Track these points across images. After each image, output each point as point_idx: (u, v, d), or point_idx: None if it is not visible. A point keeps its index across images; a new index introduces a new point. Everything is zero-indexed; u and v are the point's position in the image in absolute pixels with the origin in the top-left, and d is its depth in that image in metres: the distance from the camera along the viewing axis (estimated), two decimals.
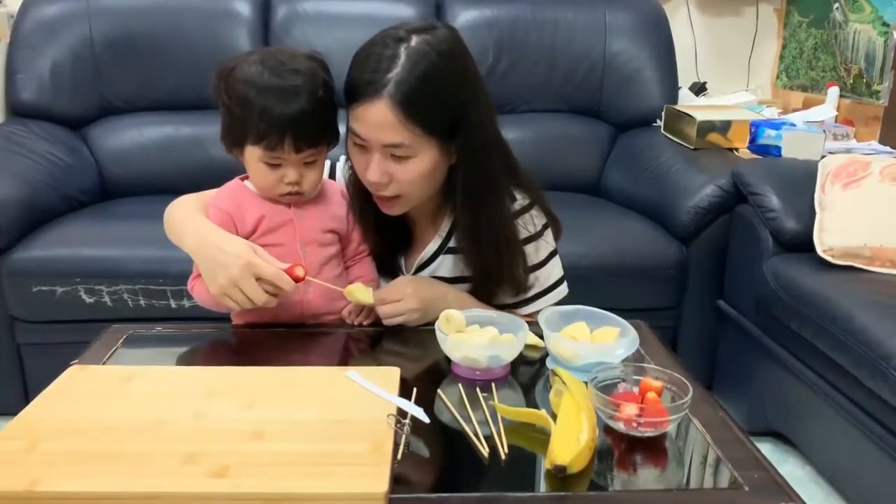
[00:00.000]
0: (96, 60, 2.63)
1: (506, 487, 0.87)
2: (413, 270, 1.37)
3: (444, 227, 1.35)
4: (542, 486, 0.87)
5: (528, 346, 1.16)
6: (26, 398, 1.13)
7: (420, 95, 1.13)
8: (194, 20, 2.69)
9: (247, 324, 1.30)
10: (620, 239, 2.32)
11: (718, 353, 2.34)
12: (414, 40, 1.14)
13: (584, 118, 2.86)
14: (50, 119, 2.61)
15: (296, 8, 2.76)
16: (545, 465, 0.87)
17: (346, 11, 2.77)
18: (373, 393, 1.00)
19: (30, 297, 2.10)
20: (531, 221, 1.33)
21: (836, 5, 2.86)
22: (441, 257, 1.35)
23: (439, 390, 1.05)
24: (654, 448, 0.94)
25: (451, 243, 1.34)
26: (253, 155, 1.20)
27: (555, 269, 1.38)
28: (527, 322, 1.16)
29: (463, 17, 2.77)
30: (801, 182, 2.11)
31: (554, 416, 0.94)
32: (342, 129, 1.22)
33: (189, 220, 1.24)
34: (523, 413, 0.99)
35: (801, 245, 2.03)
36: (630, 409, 0.93)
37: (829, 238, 1.99)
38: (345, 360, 1.26)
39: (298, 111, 1.15)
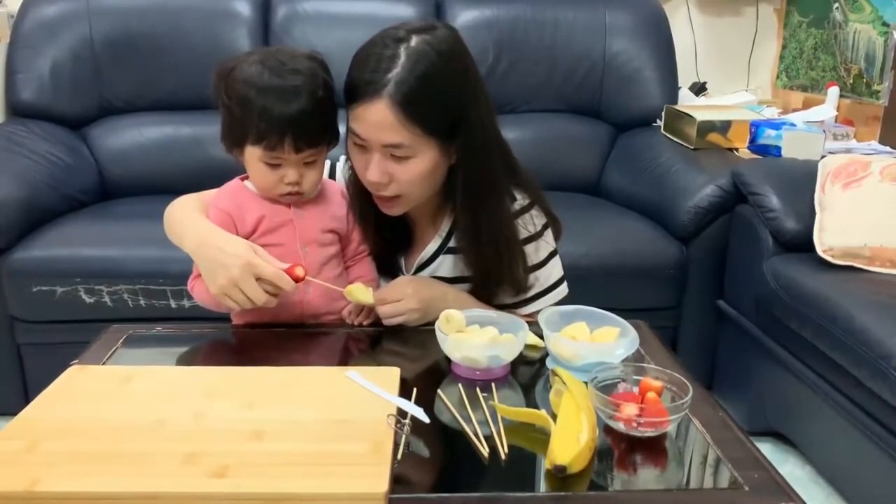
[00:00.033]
0: (96, 60, 2.63)
1: (506, 487, 0.87)
2: (413, 270, 1.37)
3: (444, 227, 1.35)
4: (542, 486, 0.87)
5: (528, 346, 1.16)
6: (26, 398, 1.13)
7: (420, 95, 1.13)
8: (194, 20, 2.69)
9: (247, 324, 1.30)
10: (620, 239, 2.32)
11: (718, 353, 2.34)
12: (414, 40, 1.14)
13: (584, 118, 2.86)
14: (50, 119, 2.61)
15: (296, 8, 2.76)
16: (545, 465, 0.87)
17: (346, 11, 2.77)
18: (373, 393, 1.00)
19: (30, 297, 2.10)
20: (531, 221, 1.33)
21: (836, 5, 2.86)
22: (441, 257, 1.35)
23: (439, 390, 1.05)
24: (654, 448, 0.94)
25: (451, 243, 1.34)
26: (253, 155, 1.20)
27: (555, 269, 1.38)
28: (527, 322, 1.16)
29: (463, 17, 2.77)
30: (801, 182, 2.11)
31: (554, 416, 0.94)
32: (342, 129, 1.22)
33: (189, 220, 1.24)
34: (523, 413, 0.99)
35: (801, 245, 2.03)
36: (630, 409, 0.93)
37: (829, 238, 1.99)
38: (345, 360, 1.26)
39: (298, 111, 1.15)
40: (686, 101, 2.94)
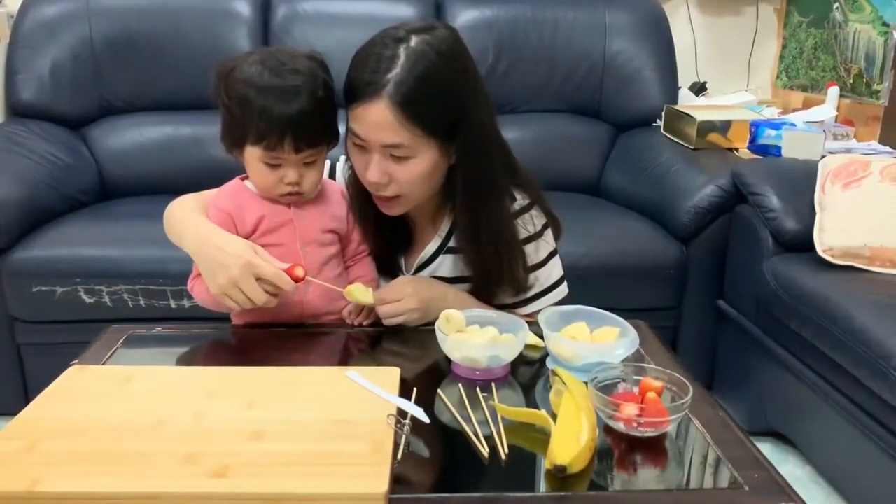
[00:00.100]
0: (96, 60, 2.64)
1: (506, 487, 0.87)
2: (413, 270, 1.37)
3: (444, 227, 1.35)
4: (542, 486, 0.87)
5: (528, 346, 1.16)
6: (26, 398, 1.13)
7: (420, 96, 1.13)
8: (194, 20, 2.69)
9: (247, 324, 1.30)
10: (620, 239, 2.32)
11: (718, 353, 2.34)
12: (413, 40, 1.14)
13: (584, 118, 2.86)
14: (50, 119, 2.61)
15: (296, 8, 2.76)
16: (545, 465, 0.87)
17: (346, 11, 2.77)
18: (373, 393, 1.00)
19: (30, 297, 2.10)
20: (531, 221, 1.33)
21: (836, 5, 2.86)
22: (441, 257, 1.35)
23: (439, 390, 1.05)
24: (654, 448, 0.94)
25: (451, 243, 1.34)
26: (253, 155, 1.20)
27: (555, 269, 1.38)
28: (527, 322, 1.16)
29: (463, 17, 2.77)
30: (801, 182, 2.11)
31: (554, 416, 0.94)
32: (342, 129, 1.22)
33: (189, 219, 1.24)
34: (523, 413, 0.98)
35: (801, 245, 2.03)
36: (630, 409, 0.93)
37: (829, 238, 1.99)
38: (345, 360, 1.26)
39: (298, 111, 1.15)
40: (686, 101, 2.94)
